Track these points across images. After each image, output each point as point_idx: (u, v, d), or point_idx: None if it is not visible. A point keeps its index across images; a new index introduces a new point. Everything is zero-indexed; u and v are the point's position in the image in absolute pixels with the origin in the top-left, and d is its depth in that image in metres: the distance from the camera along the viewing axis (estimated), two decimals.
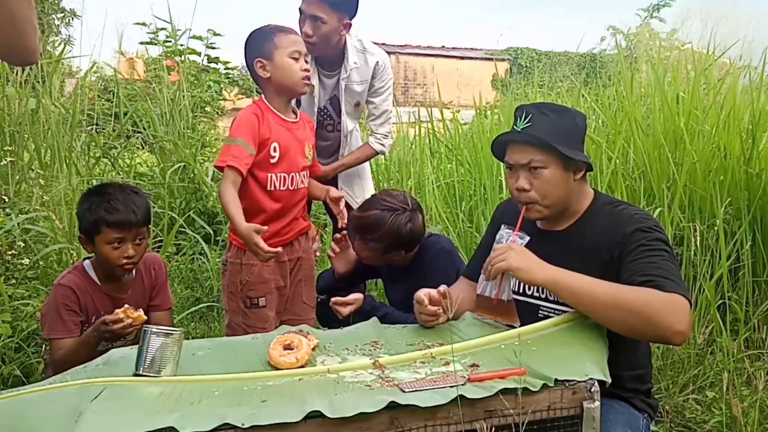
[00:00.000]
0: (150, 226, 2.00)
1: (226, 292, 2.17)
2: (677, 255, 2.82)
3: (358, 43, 2.57)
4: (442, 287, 1.57)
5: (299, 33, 2.34)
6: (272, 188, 2.04)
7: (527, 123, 1.55)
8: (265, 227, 1.87)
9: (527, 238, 1.56)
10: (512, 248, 1.50)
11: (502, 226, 1.63)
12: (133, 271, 2.04)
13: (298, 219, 2.17)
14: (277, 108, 2.07)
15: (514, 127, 1.58)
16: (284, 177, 2.05)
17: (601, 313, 1.40)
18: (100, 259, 1.94)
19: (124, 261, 1.89)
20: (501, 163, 3.61)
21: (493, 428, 1.18)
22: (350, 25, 2.47)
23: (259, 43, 2.05)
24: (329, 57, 2.53)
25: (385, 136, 2.69)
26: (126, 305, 1.77)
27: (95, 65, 4.46)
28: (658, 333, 1.35)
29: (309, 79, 2.06)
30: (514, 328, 1.55)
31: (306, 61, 2.06)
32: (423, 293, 1.55)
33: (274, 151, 2.02)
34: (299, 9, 2.41)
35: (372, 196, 2.35)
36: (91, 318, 1.95)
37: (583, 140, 1.64)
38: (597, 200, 1.63)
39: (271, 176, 2.04)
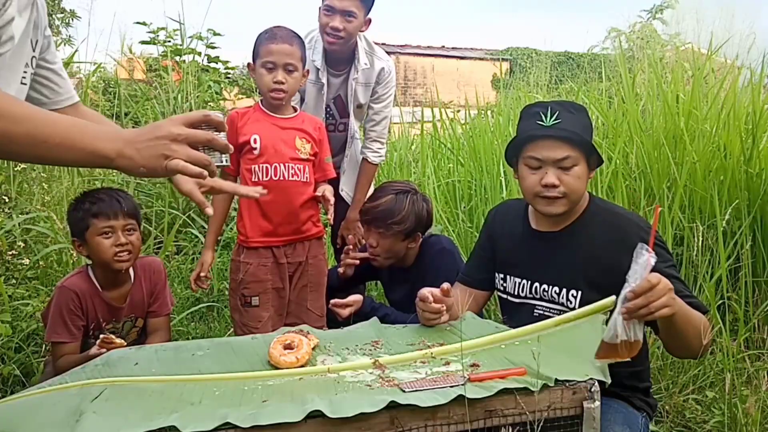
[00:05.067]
0: (140, 224, 2.00)
1: (230, 289, 2.23)
2: (677, 255, 2.82)
3: (366, 45, 2.56)
4: (446, 285, 1.57)
5: (325, 27, 2.37)
6: (256, 179, 2.07)
7: (556, 120, 1.52)
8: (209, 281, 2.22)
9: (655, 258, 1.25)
10: (669, 287, 1.24)
11: (639, 244, 1.23)
12: (132, 278, 2.03)
13: (303, 222, 2.15)
14: (267, 106, 2.13)
15: (540, 123, 1.54)
16: (266, 167, 2.08)
17: (688, 339, 1.39)
18: (95, 257, 1.93)
19: (117, 250, 1.89)
20: (501, 163, 3.66)
21: (493, 428, 1.18)
22: (370, 21, 2.47)
23: (254, 45, 2.10)
24: (340, 56, 2.50)
25: (382, 146, 2.69)
26: (102, 335, 1.74)
27: (100, 67, 4.46)
28: (694, 353, 1.44)
29: (280, 92, 2.06)
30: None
31: (288, 71, 2.05)
32: (426, 291, 1.55)
33: (255, 143, 2.08)
34: (327, 6, 2.37)
35: (377, 188, 2.34)
36: (90, 324, 1.95)
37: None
38: (591, 201, 1.64)
39: (254, 167, 2.08)
